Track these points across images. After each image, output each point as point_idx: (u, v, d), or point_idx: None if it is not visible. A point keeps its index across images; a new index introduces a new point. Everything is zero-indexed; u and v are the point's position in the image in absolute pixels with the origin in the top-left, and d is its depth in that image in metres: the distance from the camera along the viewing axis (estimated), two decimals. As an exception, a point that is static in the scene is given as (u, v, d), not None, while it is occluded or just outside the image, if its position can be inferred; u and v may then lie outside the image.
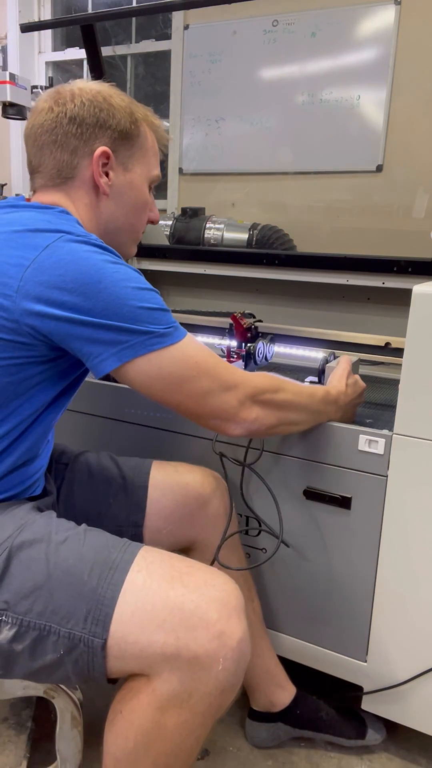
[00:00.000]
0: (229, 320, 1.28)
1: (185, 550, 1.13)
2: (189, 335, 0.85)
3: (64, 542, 0.80)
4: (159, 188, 2.99)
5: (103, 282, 0.78)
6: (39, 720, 1.17)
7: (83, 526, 0.85)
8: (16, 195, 1.03)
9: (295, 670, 1.24)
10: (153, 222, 1.01)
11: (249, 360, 1.27)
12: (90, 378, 1.35)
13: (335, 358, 1.21)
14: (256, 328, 1.31)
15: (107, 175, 0.92)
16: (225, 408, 0.86)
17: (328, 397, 1.04)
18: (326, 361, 1.17)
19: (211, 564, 1.07)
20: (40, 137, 0.90)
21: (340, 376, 1.11)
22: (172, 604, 0.73)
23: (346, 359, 1.17)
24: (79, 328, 0.78)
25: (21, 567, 0.77)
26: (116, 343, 0.79)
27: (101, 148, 0.90)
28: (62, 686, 0.90)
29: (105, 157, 0.90)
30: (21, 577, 0.76)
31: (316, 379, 1.20)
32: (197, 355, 0.84)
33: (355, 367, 1.20)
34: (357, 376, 1.14)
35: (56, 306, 0.77)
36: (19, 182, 3.26)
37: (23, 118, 2.47)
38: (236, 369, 0.90)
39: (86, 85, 0.92)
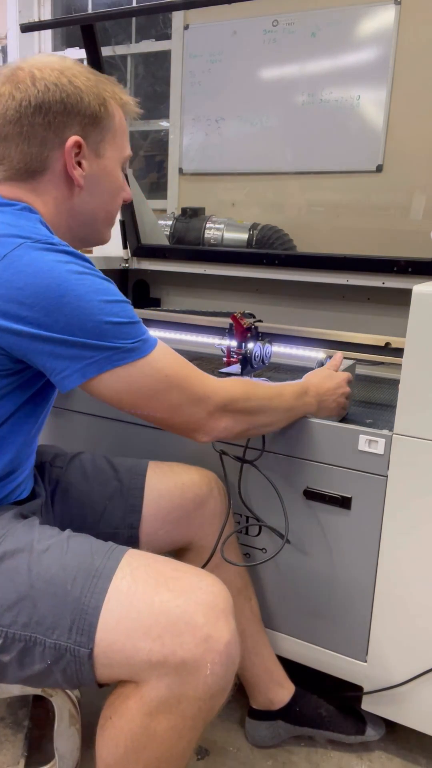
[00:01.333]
0: (229, 320, 1.28)
1: (182, 550, 1.13)
2: (160, 345, 0.82)
3: (46, 551, 0.78)
4: (159, 188, 3.00)
5: (67, 296, 0.73)
6: (36, 719, 1.17)
7: (67, 532, 0.83)
8: None
9: (294, 669, 1.24)
10: (126, 202, 0.97)
11: (245, 364, 1.27)
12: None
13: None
14: (256, 328, 1.31)
15: (80, 164, 0.85)
16: (194, 419, 0.86)
17: (299, 391, 1.03)
18: (321, 363, 1.17)
19: (208, 560, 1.06)
20: (3, 128, 0.82)
21: (316, 371, 1.11)
22: (157, 610, 0.71)
23: (337, 356, 1.19)
24: (41, 344, 0.75)
25: (3, 578, 0.76)
26: (80, 358, 0.76)
27: (73, 138, 0.83)
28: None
29: (77, 146, 0.84)
30: (4, 588, 0.75)
31: None
32: (167, 367, 0.82)
33: (350, 369, 1.20)
34: (332, 370, 1.13)
35: (16, 320, 0.74)
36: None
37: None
38: (208, 379, 0.87)
39: (44, 62, 0.84)
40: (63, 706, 0.91)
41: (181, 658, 0.69)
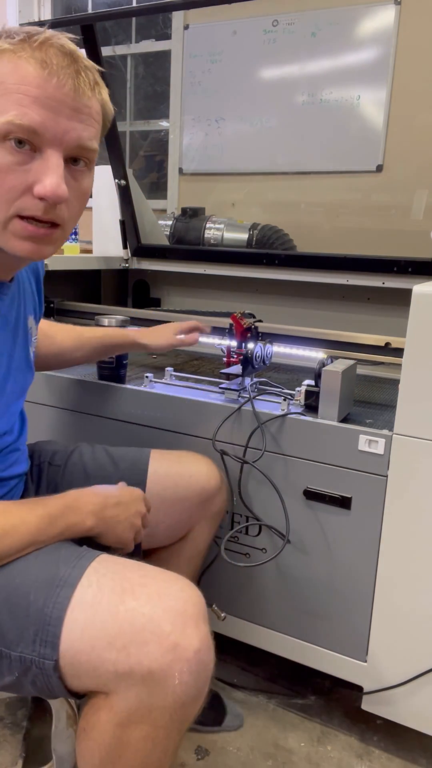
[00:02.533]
0: (229, 320, 1.28)
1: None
2: None
3: (14, 561, 0.76)
4: (159, 188, 3.00)
5: None
6: (35, 719, 1.17)
7: None
8: None
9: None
10: (40, 197, 0.68)
11: (247, 365, 1.27)
12: (88, 378, 1.35)
13: (333, 360, 1.20)
14: (256, 328, 1.31)
15: None
16: None
17: (56, 511, 0.80)
18: (323, 364, 1.17)
19: (209, 564, 1.05)
20: None
21: (104, 487, 0.90)
22: (122, 619, 0.69)
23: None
24: None
25: None
26: None
27: None
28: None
29: None
30: None
31: (312, 382, 1.20)
32: None
33: (351, 369, 1.20)
34: (121, 493, 0.89)
35: None
36: None
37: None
38: None
39: None
40: (60, 707, 0.91)
41: (147, 669, 0.67)
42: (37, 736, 1.14)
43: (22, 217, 0.70)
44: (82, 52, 0.71)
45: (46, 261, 1.53)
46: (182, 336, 1.27)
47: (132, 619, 0.68)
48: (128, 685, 0.68)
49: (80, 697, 0.74)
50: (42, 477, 1.06)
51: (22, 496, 1.00)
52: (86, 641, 0.69)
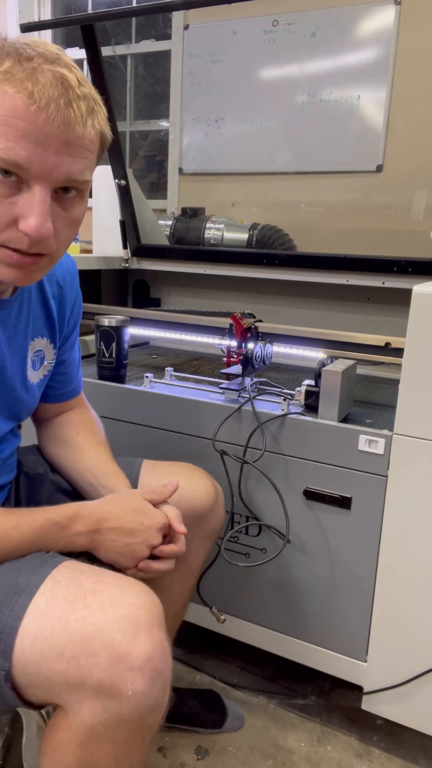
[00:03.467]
0: (229, 320, 1.28)
1: None
2: None
3: None
4: (159, 188, 3.00)
5: None
6: (17, 727, 1.14)
7: None
8: None
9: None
10: (26, 234, 0.66)
11: (247, 365, 1.27)
12: (88, 378, 1.35)
13: (332, 360, 1.20)
14: (256, 328, 1.31)
15: None
16: None
17: (55, 523, 0.78)
18: (323, 364, 1.17)
19: (203, 574, 1.02)
20: None
21: (121, 496, 0.86)
22: (72, 629, 0.66)
23: (172, 484, 0.90)
24: None
25: None
26: None
27: None
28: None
29: None
30: None
31: (312, 382, 1.20)
32: None
33: (351, 369, 1.20)
34: (146, 502, 0.85)
35: None
36: None
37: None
38: None
39: None
40: (30, 718, 0.89)
41: (98, 680, 0.64)
42: (18, 744, 1.12)
43: (7, 246, 0.68)
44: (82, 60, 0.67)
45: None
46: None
47: (82, 629, 0.66)
48: (81, 698, 0.66)
49: (40, 708, 0.72)
50: (21, 487, 1.01)
51: (4, 504, 0.96)
52: (36, 651, 0.67)
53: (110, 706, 0.65)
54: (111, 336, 1.35)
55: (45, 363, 0.93)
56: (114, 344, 1.35)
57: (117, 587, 0.70)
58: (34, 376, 0.91)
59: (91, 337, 1.70)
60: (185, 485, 0.99)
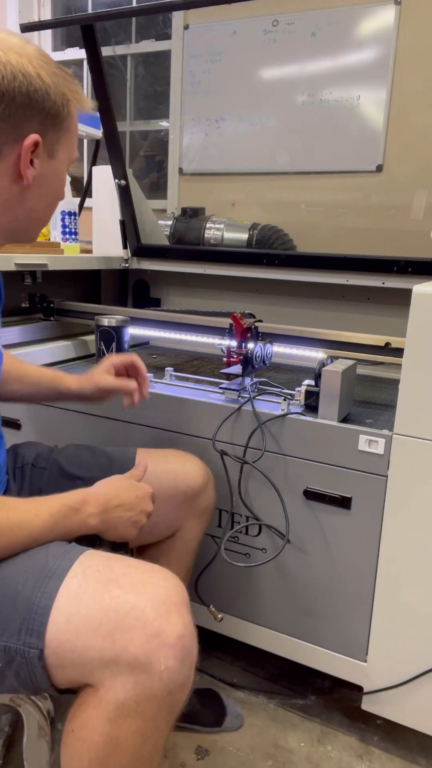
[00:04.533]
0: (229, 320, 1.28)
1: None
2: None
3: None
4: (159, 188, 3.00)
5: None
6: (18, 726, 1.14)
7: None
8: None
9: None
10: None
11: (247, 365, 1.27)
12: (90, 378, 1.35)
13: (332, 360, 1.20)
14: (255, 328, 1.31)
15: (31, 163, 0.79)
16: None
17: (69, 507, 0.82)
18: (323, 364, 1.16)
19: (209, 563, 1.05)
20: None
21: (111, 479, 0.91)
22: (107, 606, 0.70)
23: (141, 465, 0.98)
24: None
25: None
26: None
27: (33, 136, 0.77)
28: (30, 695, 0.87)
29: (34, 144, 0.78)
30: None
31: (312, 382, 1.20)
32: None
33: (351, 369, 1.20)
34: (132, 480, 0.93)
35: None
36: None
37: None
38: None
39: (6, 43, 0.76)
40: (31, 717, 0.88)
41: (133, 655, 0.68)
42: (18, 743, 1.12)
43: None
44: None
45: (46, 261, 1.53)
46: (112, 379, 1.11)
47: (116, 606, 0.70)
48: (114, 673, 0.68)
49: (62, 693, 0.74)
50: (25, 479, 1.05)
51: (5, 494, 0.99)
52: (71, 629, 0.69)
53: (142, 682, 0.68)
54: (111, 336, 1.35)
55: None
56: (114, 344, 1.35)
57: (146, 570, 0.75)
58: None
59: (91, 337, 1.70)
60: (180, 468, 1.08)
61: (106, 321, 1.34)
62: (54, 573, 0.73)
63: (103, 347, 1.36)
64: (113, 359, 1.12)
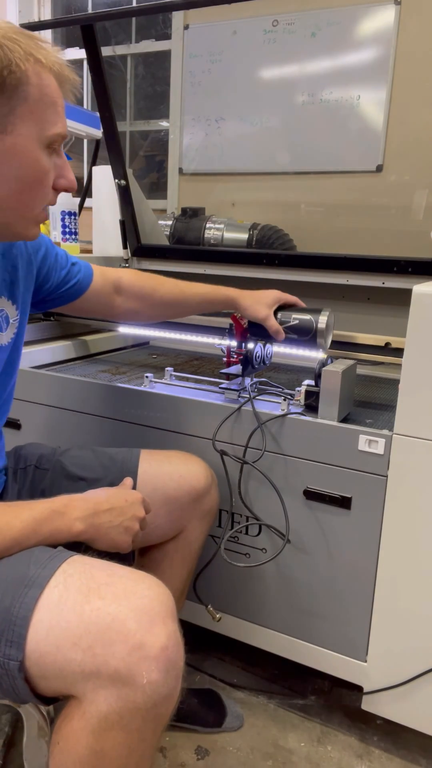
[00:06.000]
0: (229, 320, 1.28)
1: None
2: None
3: None
4: (159, 188, 3.00)
5: None
6: (19, 726, 1.14)
7: None
8: None
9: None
10: (65, 190, 0.80)
11: (247, 365, 1.27)
12: (88, 378, 1.35)
13: (332, 360, 1.20)
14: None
15: None
16: None
17: (47, 513, 0.80)
18: (323, 364, 1.17)
19: (208, 563, 1.05)
20: None
21: (102, 489, 0.91)
22: (87, 619, 0.68)
23: (126, 481, 0.99)
24: None
25: None
26: None
27: None
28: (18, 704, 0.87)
29: None
30: None
31: (312, 382, 1.20)
32: None
33: (351, 369, 1.20)
34: (123, 489, 0.92)
35: None
36: None
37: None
38: None
39: None
40: (31, 717, 0.88)
41: (114, 668, 0.66)
42: (18, 743, 1.12)
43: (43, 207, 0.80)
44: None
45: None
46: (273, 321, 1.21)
47: (97, 618, 0.68)
48: (96, 686, 0.67)
49: (49, 703, 0.73)
50: (26, 480, 1.05)
51: (2, 496, 0.99)
52: (52, 642, 0.68)
53: (125, 695, 0.66)
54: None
55: (11, 321, 0.94)
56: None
57: (130, 579, 0.72)
58: (2, 337, 0.91)
59: (91, 337, 1.70)
60: (184, 469, 1.07)
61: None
62: (34, 582, 0.71)
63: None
64: (280, 299, 1.25)
